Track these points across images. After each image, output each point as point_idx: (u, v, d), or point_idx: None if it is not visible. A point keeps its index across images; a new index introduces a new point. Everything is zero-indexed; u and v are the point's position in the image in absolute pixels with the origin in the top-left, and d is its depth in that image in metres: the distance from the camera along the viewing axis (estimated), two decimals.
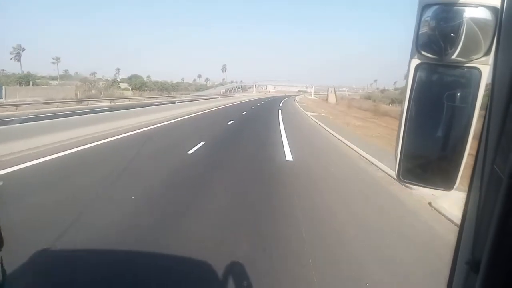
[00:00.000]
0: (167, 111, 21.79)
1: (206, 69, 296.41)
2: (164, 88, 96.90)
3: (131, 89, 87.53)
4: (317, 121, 22.85)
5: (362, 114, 39.68)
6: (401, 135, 0.77)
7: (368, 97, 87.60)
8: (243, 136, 14.84)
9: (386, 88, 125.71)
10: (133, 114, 16.81)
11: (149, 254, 3.72)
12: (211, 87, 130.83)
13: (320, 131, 17.40)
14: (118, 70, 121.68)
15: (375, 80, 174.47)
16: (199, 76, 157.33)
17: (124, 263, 3.59)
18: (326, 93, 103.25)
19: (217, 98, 55.15)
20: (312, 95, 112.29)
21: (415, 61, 0.73)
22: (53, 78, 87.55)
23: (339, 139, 14.20)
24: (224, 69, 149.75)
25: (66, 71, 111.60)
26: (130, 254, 3.69)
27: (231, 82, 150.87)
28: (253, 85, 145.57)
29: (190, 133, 14.81)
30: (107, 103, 35.34)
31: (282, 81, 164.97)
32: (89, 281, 3.18)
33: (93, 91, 61.55)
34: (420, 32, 0.70)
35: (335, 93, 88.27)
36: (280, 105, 45.82)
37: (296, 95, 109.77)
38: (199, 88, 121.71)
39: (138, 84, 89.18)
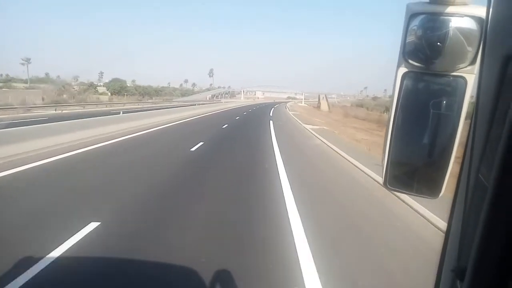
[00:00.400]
0: (100, 127, 14.31)
1: (193, 74, 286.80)
2: (146, 93, 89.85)
3: (110, 94, 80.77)
4: (321, 138, 16.80)
5: (362, 124, 34.75)
6: (388, 142, 0.77)
7: (360, 105, 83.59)
8: (211, 183, 7.62)
9: (376, 95, 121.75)
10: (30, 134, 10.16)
11: (139, 262, 3.49)
12: (198, 92, 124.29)
13: (344, 169, 11.23)
14: (101, 73, 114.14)
15: (365, 87, 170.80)
16: (186, 81, 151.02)
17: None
18: (317, 100, 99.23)
19: (194, 105, 44.01)
20: (303, 102, 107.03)
21: (402, 70, 0.73)
22: (32, 81, 79.75)
23: (374, 180, 8.10)
24: (211, 73, 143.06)
25: (47, 74, 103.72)
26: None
27: (219, 87, 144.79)
28: (241, 91, 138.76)
29: (100, 184, 6.93)
30: (51, 112, 28.01)
31: (271, 87, 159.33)
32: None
33: (65, 96, 55.28)
34: (407, 41, 0.70)
35: (327, 100, 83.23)
36: (271, 114, 39.70)
37: (286, 102, 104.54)
38: (185, 93, 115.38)
39: (116, 88, 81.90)
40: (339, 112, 59.55)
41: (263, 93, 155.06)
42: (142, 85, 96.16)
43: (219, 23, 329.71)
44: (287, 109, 57.34)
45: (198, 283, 3.31)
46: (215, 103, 64.75)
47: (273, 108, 55.15)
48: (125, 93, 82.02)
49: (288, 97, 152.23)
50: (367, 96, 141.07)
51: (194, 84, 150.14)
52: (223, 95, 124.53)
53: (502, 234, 0.51)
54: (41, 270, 3.41)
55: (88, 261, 3.71)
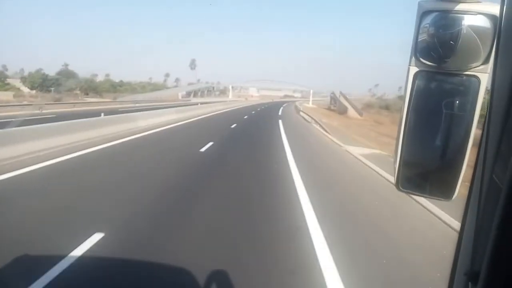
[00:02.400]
0: None
1: (178, 68, 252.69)
2: (91, 88, 60.40)
3: (31, 89, 51.67)
4: None
5: None
6: (400, 143, 0.73)
7: (384, 106, 55.60)
8: None
9: (387, 94, 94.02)
10: None
11: (151, 263, 3.45)
12: (174, 87, 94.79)
13: None
14: (66, 65, 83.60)
15: (376, 85, 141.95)
16: (167, 75, 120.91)
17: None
18: (327, 99, 71.07)
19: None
20: (310, 103, 78.18)
21: (414, 69, 0.70)
22: None
23: None
24: (193, 65, 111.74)
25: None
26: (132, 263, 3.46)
27: (206, 82, 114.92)
28: (230, 87, 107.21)
29: None
30: None
31: (265, 81, 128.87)
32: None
33: None
34: (419, 39, 0.67)
35: (350, 102, 54.63)
36: (288, 154, 10.73)
37: (288, 102, 75.93)
38: (157, 88, 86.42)
39: (37, 81, 52.27)
40: (385, 122, 31.64)
41: (258, 91, 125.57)
42: (86, 78, 65.83)
43: (206, 12, 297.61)
44: (308, 120, 28.54)
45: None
46: (173, 109, 34.80)
47: (280, 121, 26.24)
48: (52, 88, 53.18)
49: (285, 95, 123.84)
50: (374, 95, 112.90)
51: (177, 79, 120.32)
52: (205, 92, 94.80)
53: None
54: None
55: None
